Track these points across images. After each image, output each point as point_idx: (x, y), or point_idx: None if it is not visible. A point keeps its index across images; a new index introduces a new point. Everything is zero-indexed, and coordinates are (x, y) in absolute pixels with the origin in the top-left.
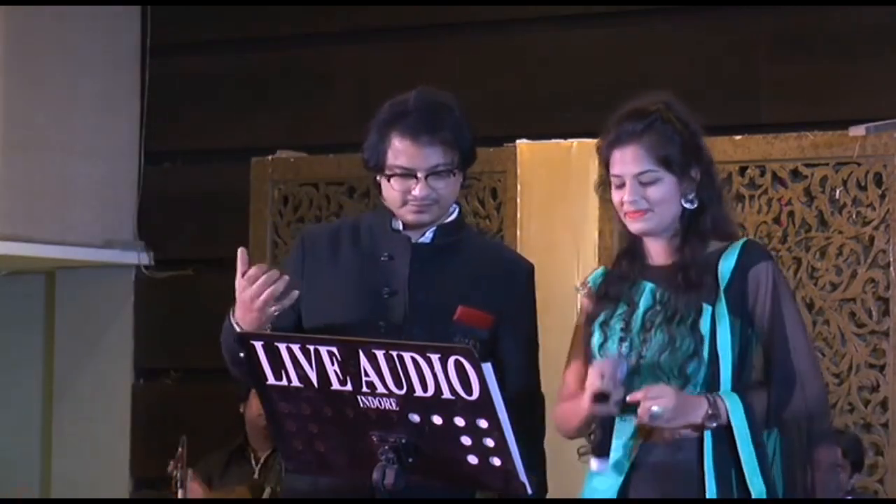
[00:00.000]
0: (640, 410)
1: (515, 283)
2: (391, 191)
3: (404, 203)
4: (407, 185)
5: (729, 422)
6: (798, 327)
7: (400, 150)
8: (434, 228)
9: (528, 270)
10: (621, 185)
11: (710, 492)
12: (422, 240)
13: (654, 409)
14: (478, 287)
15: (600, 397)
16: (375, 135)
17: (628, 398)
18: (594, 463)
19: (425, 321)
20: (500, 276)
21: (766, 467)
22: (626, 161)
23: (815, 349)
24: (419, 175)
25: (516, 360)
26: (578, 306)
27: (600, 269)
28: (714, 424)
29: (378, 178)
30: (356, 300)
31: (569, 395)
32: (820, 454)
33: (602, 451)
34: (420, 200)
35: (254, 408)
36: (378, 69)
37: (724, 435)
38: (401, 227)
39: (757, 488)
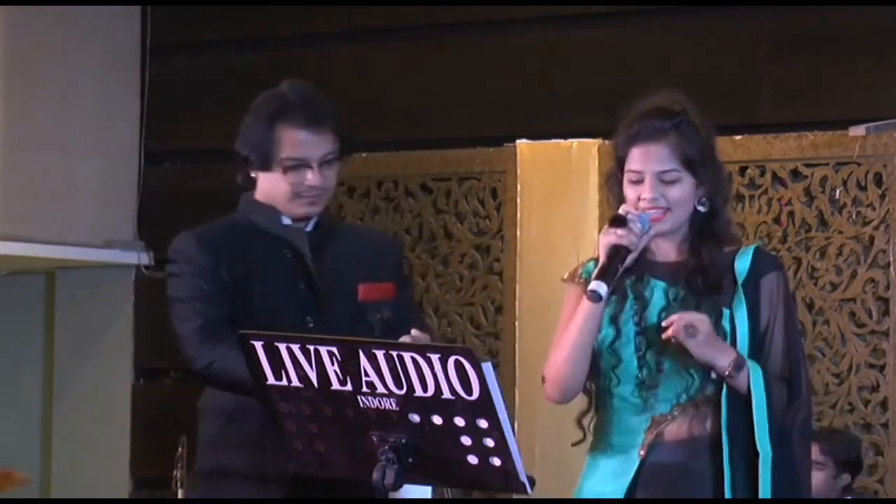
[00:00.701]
0: (674, 325)
1: (392, 253)
2: (281, 184)
3: (296, 195)
4: (301, 177)
5: (749, 386)
6: (798, 338)
7: (293, 141)
8: (315, 219)
9: (398, 242)
10: (639, 182)
11: (725, 451)
12: (308, 230)
13: (691, 323)
14: (365, 264)
15: (619, 220)
16: (259, 129)
17: (664, 323)
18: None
19: (345, 308)
20: (379, 249)
21: (773, 432)
22: (650, 158)
23: (807, 366)
24: (313, 165)
25: (412, 305)
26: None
27: (592, 262)
28: (737, 375)
29: (254, 174)
30: (281, 301)
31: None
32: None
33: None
34: (314, 190)
35: None
36: (378, 69)
37: (741, 404)
38: (290, 223)
39: (764, 450)
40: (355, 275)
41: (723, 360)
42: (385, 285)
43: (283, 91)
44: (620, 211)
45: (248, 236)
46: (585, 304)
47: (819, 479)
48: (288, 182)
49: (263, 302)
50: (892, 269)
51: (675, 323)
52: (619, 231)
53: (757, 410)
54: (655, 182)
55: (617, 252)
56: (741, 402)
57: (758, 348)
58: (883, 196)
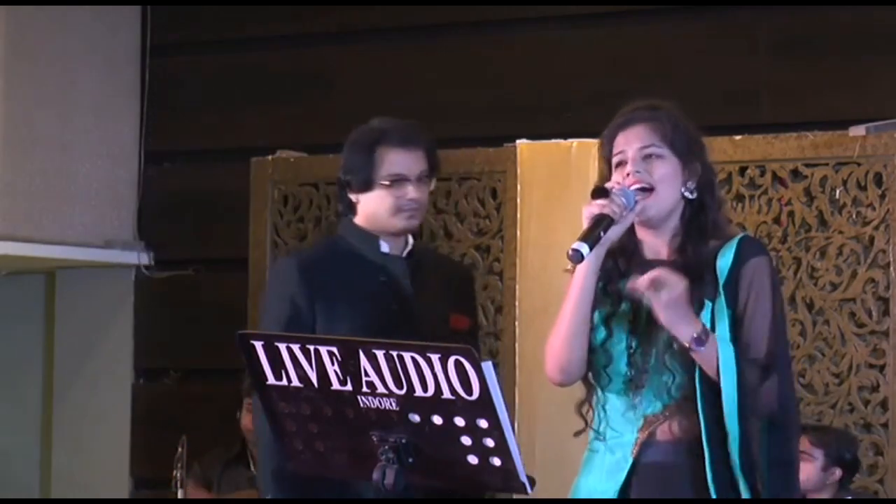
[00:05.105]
0: (643, 278)
1: (469, 284)
2: (384, 200)
3: (398, 210)
4: (402, 190)
5: (717, 367)
6: (781, 325)
7: (392, 160)
8: (410, 247)
9: (470, 272)
10: (623, 163)
11: (706, 453)
12: (403, 256)
13: (661, 278)
14: (448, 291)
15: (601, 192)
16: (360, 155)
17: (630, 285)
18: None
19: (433, 332)
20: (458, 279)
21: (745, 415)
22: (631, 139)
23: (788, 351)
24: (412, 179)
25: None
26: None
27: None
28: (699, 349)
29: (355, 198)
30: (372, 323)
31: None
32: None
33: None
34: (413, 203)
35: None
36: (378, 69)
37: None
38: (388, 250)
39: (732, 429)
40: (443, 302)
41: (686, 329)
42: (463, 318)
43: (374, 124)
44: (605, 185)
45: (346, 260)
46: (576, 280)
47: (807, 471)
48: (392, 196)
49: (357, 322)
50: (892, 269)
51: (646, 276)
52: (601, 201)
53: (725, 389)
54: (638, 158)
55: (600, 219)
56: (716, 398)
57: (737, 337)
58: (883, 196)
